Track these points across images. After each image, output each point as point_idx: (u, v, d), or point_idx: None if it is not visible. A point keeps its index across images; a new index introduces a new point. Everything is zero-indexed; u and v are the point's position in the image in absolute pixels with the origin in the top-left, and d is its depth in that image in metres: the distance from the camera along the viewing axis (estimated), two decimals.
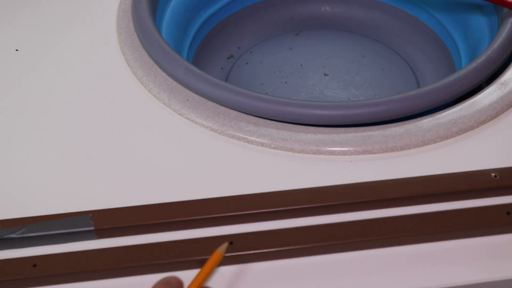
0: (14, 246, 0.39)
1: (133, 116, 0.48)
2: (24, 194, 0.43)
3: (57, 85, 0.51)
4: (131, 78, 0.51)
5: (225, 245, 0.37)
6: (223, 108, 0.48)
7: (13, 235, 0.39)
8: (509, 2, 0.54)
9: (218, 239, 0.39)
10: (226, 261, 0.38)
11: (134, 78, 0.51)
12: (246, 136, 0.46)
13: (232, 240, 0.39)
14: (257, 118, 0.47)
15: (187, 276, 0.37)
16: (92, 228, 0.39)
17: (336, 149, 0.45)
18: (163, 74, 0.51)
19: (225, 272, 0.38)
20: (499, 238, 0.40)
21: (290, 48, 0.73)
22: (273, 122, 0.47)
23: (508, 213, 0.40)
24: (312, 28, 0.76)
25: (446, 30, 0.68)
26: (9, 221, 0.40)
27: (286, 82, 0.68)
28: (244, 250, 0.38)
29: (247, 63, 0.71)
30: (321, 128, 0.46)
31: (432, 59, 0.70)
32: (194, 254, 0.38)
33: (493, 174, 0.42)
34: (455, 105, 0.48)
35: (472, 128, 0.46)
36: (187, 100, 0.48)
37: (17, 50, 0.55)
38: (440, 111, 0.47)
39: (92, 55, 0.54)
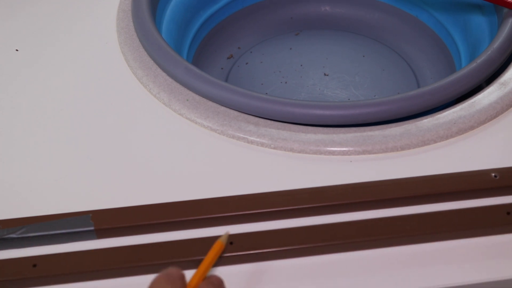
0: (14, 246, 0.39)
1: (133, 116, 0.48)
2: (24, 194, 0.43)
3: (57, 85, 0.51)
4: (131, 78, 0.51)
5: (225, 236, 0.37)
6: (223, 108, 0.48)
7: (13, 235, 0.39)
8: (509, 2, 0.54)
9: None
10: (226, 261, 0.38)
11: (134, 78, 0.51)
12: (246, 136, 0.46)
13: (232, 240, 0.39)
14: (257, 118, 0.47)
15: (186, 276, 0.37)
16: (92, 228, 0.39)
17: (336, 149, 0.45)
18: (163, 74, 0.51)
19: (225, 272, 0.38)
20: (499, 238, 0.40)
21: (290, 48, 0.73)
22: (273, 122, 0.47)
23: (508, 213, 0.40)
24: (312, 28, 0.76)
25: (446, 30, 0.68)
26: (9, 221, 0.40)
27: (286, 82, 0.68)
28: (244, 250, 0.38)
29: (247, 63, 0.71)
30: (321, 128, 0.46)
31: (432, 59, 0.70)
32: (194, 254, 0.38)
33: (493, 174, 0.42)
34: (455, 105, 0.48)
35: (472, 128, 0.46)
36: (187, 100, 0.48)
37: (17, 50, 0.55)
38: (440, 111, 0.47)
39: (92, 55, 0.54)
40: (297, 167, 0.44)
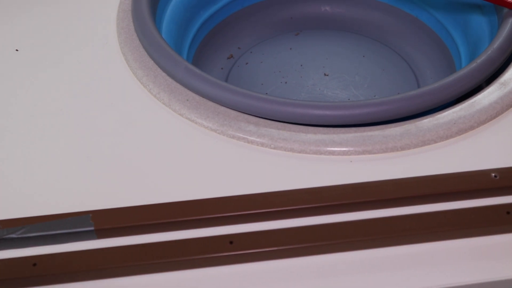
0: (14, 246, 0.39)
1: (133, 116, 0.48)
2: (24, 194, 0.43)
3: (57, 85, 0.51)
4: (131, 78, 0.51)
5: None
6: (223, 108, 0.48)
7: (13, 235, 0.39)
8: (509, 2, 0.54)
9: (218, 239, 0.39)
10: (226, 261, 0.38)
11: (134, 78, 0.51)
12: (246, 136, 0.46)
13: (232, 240, 0.39)
14: (257, 118, 0.47)
15: (186, 276, 0.37)
16: (92, 228, 0.39)
17: (336, 149, 0.45)
18: (163, 74, 0.51)
19: (225, 272, 0.38)
20: (499, 238, 0.40)
21: (290, 48, 0.73)
22: (273, 122, 0.47)
23: (508, 213, 0.40)
24: (312, 28, 0.76)
25: (446, 30, 0.68)
26: (9, 221, 0.40)
27: (286, 82, 0.68)
28: (244, 250, 0.38)
29: (247, 63, 0.71)
30: (321, 128, 0.46)
31: (432, 59, 0.70)
32: (194, 254, 0.38)
33: (493, 174, 0.42)
34: (455, 105, 0.48)
35: (472, 128, 0.46)
36: (187, 100, 0.48)
37: (17, 50, 0.55)
38: (440, 111, 0.47)
39: (92, 55, 0.54)
40: (297, 167, 0.44)
